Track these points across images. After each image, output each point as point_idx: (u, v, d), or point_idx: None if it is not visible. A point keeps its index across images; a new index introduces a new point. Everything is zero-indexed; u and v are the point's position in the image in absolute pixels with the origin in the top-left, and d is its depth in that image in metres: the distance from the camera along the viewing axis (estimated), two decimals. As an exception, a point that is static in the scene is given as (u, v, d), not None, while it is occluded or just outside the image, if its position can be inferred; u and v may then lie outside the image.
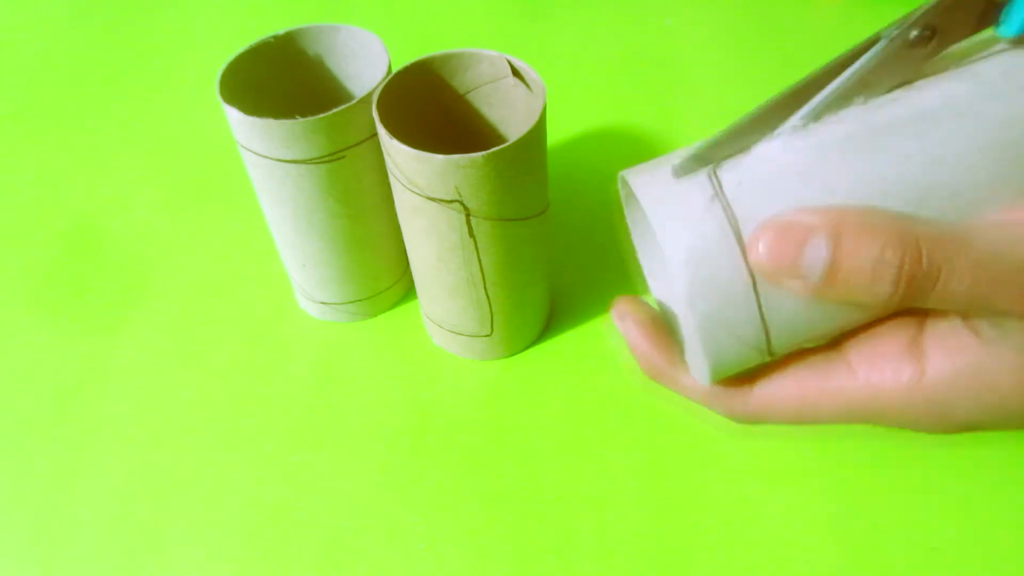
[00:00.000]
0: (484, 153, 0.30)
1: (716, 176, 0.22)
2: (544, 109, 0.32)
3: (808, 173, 0.21)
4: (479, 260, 0.34)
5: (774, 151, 0.22)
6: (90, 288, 0.44)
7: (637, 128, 0.51)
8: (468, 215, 0.32)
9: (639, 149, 0.50)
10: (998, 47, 0.22)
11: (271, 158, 0.33)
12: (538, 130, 0.32)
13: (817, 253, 0.20)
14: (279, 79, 0.37)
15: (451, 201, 0.31)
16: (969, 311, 0.21)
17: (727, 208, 0.21)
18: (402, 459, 0.36)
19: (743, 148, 0.22)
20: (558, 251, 0.43)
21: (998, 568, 0.32)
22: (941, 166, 0.21)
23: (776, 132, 0.22)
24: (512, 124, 0.37)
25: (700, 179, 0.22)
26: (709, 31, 0.58)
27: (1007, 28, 0.22)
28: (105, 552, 0.34)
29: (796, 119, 0.22)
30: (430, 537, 0.33)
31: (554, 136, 0.50)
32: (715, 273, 0.21)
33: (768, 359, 0.23)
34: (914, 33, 0.21)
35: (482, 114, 0.37)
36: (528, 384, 0.38)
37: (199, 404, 0.38)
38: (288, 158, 0.33)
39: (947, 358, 0.21)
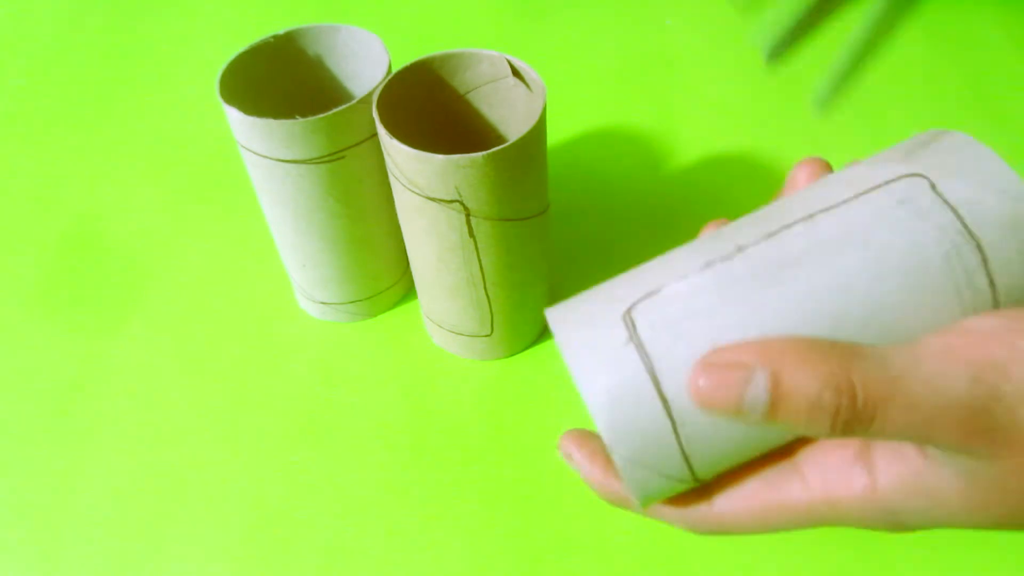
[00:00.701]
0: (484, 153, 0.30)
1: (631, 318, 0.22)
2: (544, 109, 0.32)
3: (718, 311, 0.22)
4: (479, 260, 0.34)
5: (683, 291, 0.23)
6: (90, 288, 0.44)
7: (637, 128, 0.51)
8: (468, 215, 0.32)
9: (639, 149, 0.50)
10: (891, 170, 0.23)
11: (271, 158, 0.33)
12: (538, 130, 0.32)
13: (758, 392, 0.20)
14: (279, 79, 0.37)
15: (451, 201, 0.31)
16: (908, 441, 0.21)
17: (641, 349, 0.22)
18: (402, 459, 0.36)
19: (654, 290, 0.23)
20: (558, 251, 0.43)
21: (998, 568, 0.32)
22: (850, 295, 0.21)
23: (683, 272, 0.23)
24: (512, 124, 0.37)
25: (615, 322, 0.23)
26: (709, 31, 0.58)
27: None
28: (105, 552, 0.34)
29: (701, 261, 0.23)
30: (430, 537, 0.33)
31: (554, 136, 0.50)
32: (634, 415, 0.22)
33: (696, 485, 0.24)
34: None
35: (482, 114, 0.37)
36: (528, 384, 0.38)
37: (199, 404, 0.38)
38: (288, 158, 0.33)
39: (895, 469, 0.21)
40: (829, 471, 0.22)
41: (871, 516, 0.22)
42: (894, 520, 0.22)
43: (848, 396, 0.20)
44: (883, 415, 0.20)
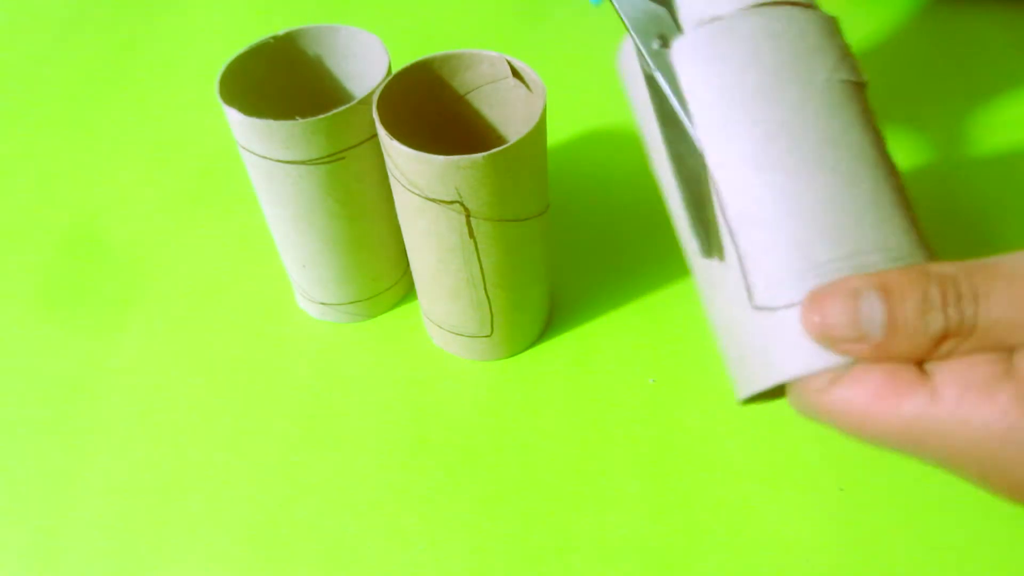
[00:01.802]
0: (484, 154, 0.30)
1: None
2: (544, 109, 0.32)
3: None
4: (479, 261, 0.34)
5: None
6: (90, 288, 0.44)
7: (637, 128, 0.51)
8: (468, 216, 0.32)
9: (639, 149, 0.49)
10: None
11: (271, 159, 0.33)
12: (538, 130, 0.32)
13: (873, 309, 0.21)
14: (279, 79, 0.37)
15: (451, 202, 0.31)
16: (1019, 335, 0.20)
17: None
18: (402, 459, 0.36)
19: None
20: (558, 251, 0.43)
21: (998, 568, 0.32)
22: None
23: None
24: (512, 124, 0.37)
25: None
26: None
27: None
28: (105, 552, 0.34)
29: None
30: (430, 537, 0.33)
31: (554, 136, 0.50)
32: None
33: None
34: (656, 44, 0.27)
35: (482, 114, 0.37)
36: (528, 384, 0.38)
37: (199, 404, 0.38)
38: (288, 159, 0.33)
39: None
40: (969, 384, 0.20)
41: (1014, 447, 0.20)
42: None
43: (950, 280, 0.20)
44: (987, 291, 0.20)
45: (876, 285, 0.21)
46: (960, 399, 0.20)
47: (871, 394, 0.22)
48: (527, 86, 0.34)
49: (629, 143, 0.50)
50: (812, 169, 0.24)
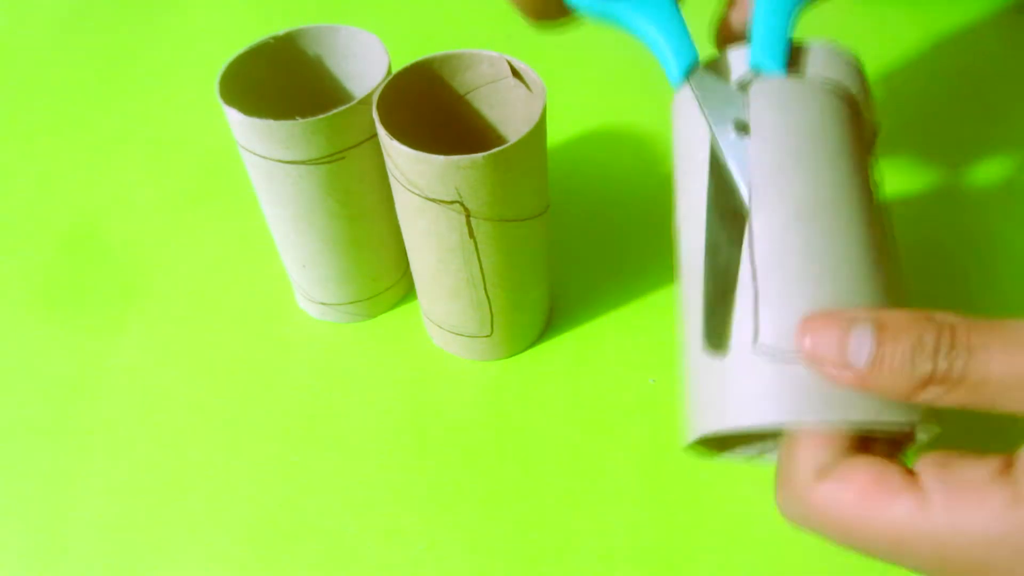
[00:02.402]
0: (484, 154, 0.30)
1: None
2: (544, 109, 0.32)
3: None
4: (479, 261, 0.34)
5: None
6: (90, 288, 0.44)
7: (637, 128, 0.51)
8: (468, 216, 0.32)
9: (639, 149, 0.50)
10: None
11: (271, 159, 0.33)
12: (538, 130, 0.32)
13: (861, 341, 0.21)
14: (279, 79, 0.37)
15: (451, 202, 0.31)
16: (1012, 403, 0.20)
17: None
18: (402, 459, 0.36)
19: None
20: (558, 251, 0.43)
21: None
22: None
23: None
24: (512, 124, 0.37)
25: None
26: (709, 30, 0.57)
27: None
28: (105, 552, 0.34)
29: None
30: (430, 537, 0.33)
31: (554, 136, 0.50)
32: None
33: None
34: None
35: (482, 114, 0.37)
36: (528, 384, 0.38)
37: (199, 404, 0.38)
38: (288, 159, 0.33)
39: None
40: (960, 487, 0.20)
41: (1006, 549, 0.19)
42: None
43: (948, 328, 0.20)
44: (984, 346, 0.20)
45: (872, 320, 0.21)
46: (951, 502, 0.20)
47: (858, 493, 0.21)
48: (527, 86, 0.34)
49: (629, 143, 0.50)
50: (844, 234, 0.25)
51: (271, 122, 0.32)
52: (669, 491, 0.34)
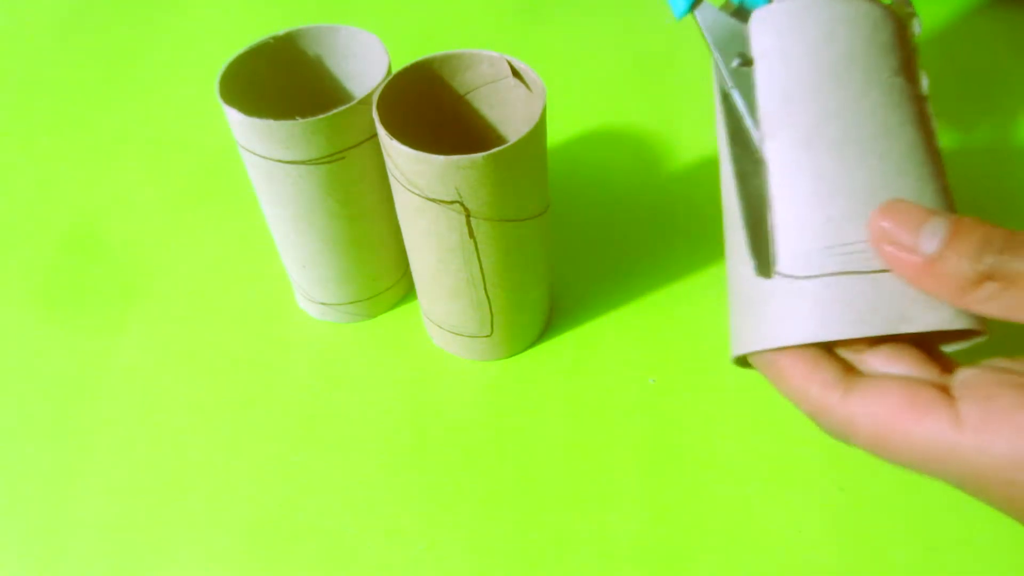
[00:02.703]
0: (484, 154, 0.30)
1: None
2: (544, 110, 0.32)
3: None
4: (479, 261, 0.34)
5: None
6: (90, 288, 0.44)
7: (637, 128, 0.51)
8: (468, 216, 0.32)
9: (639, 149, 0.50)
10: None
11: (271, 159, 0.33)
12: (538, 130, 0.32)
13: (937, 227, 0.22)
14: (279, 79, 0.37)
15: (451, 202, 0.31)
16: None
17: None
18: (402, 459, 0.36)
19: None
20: (558, 251, 0.43)
21: (998, 568, 0.32)
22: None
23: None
24: (512, 124, 0.37)
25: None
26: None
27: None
28: (105, 552, 0.34)
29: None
30: (430, 537, 0.33)
31: (554, 136, 0.50)
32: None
33: None
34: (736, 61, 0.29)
35: (482, 114, 0.37)
36: (528, 384, 0.38)
37: (199, 404, 0.38)
38: (288, 159, 0.33)
39: None
40: (993, 409, 0.20)
41: None
42: None
43: (1013, 235, 0.22)
44: None
45: (948, 217, 0.22)
46: (982, 424, 0.20)
47: (891, 409, 0.22)
48: (527, 86, 0.34)
49: (629, 143, 0.50)
50: (860, 154, 0.25)
51: (271, 122, 0.32)
52: (669, 491, 0.34)
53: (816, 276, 0.24)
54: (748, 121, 0.27)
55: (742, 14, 0.30)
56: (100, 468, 0.36)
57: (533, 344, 0.40)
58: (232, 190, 0.48)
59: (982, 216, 0.23)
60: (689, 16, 0.31)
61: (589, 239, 0.44)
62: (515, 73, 0.34)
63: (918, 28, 0.29)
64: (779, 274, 0.25)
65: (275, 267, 0.43)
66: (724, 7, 0.31)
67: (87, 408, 0.38)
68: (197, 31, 0.61)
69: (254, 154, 0.34)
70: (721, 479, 0.34)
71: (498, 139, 0.38)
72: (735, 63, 0.29)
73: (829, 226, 0.25)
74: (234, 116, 0.32)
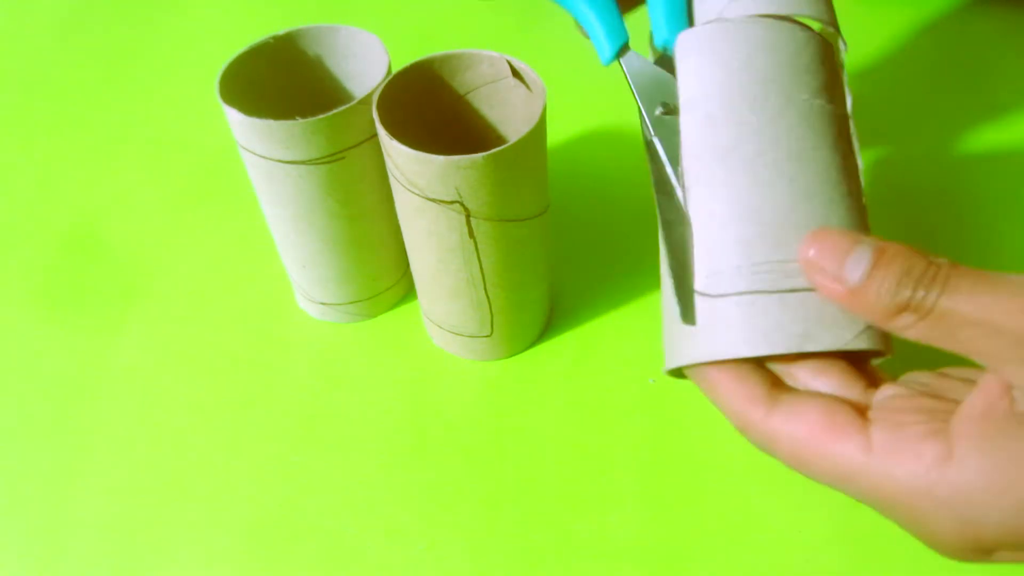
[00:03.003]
0: (484, 154, 0.30)
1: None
2: (544, 110, 0.32)
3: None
4: (479, 261, 0.34)
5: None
6: (90, 288, 0.44)
7: (637, 128, 0.50)
8: (468, 216, 0.32)
9: (639, 149, 0.49)
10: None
11: (271, 159, 0.33)
12: (538, 131, 0.32)
13: (862, 257, 0.23)
14: (279, 79, 0.37)
15: (451, 202, 0.31)
16: (963, 343, 0.21)
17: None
18: (402, 459, 0.36)
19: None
20: (558, 251, 0.43)
21: (997, 568, 0.32)
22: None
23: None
24: (512, 124, 0.37)
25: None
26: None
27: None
28: (105, 552, 0.34)
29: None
30: (430, 537, 0.33)
31: (554, 136, 0.50)
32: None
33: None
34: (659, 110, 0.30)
35: (482, 114, 0.37)
36: (528, 384, 0.38)
37: (199, 404, 0.38)
38: (288, 159, 0.33)
39: (983, 442, 0.20)
40: (900, 437, 0.22)
41: (930, 503, 0.21)
42: (963, 513, 0.20)
43: (936, 265, 0.22)
44: (957, 287, 0.21)
45: (874, 244, 0.23)
46: (889, 452, 0.22)
47: (810, 429, 0.23)
48: (527, 86, 0.34)
49: (629, 143, 0.50)
50: (772, 177, 0.26)
51: (271, 122, 0.32)
52: (669, 491, 0.34)
53: (727, 295, 0.25)
54: (669, 170, 0.28)
55: (665, 62, 0.30)
56: (100, 468, 0.36)
57: (533, 344, 0.40)
58: (232, 190, 0.48)
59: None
60: (615, 63, 0.31)
61: (589, 239, 0.44)
62: (515, 73, 0.34)
63: (844, 48, 0.30)
64: (696, 292, 0.26)
65: (275, 267, 0.43)
66: (650, 55, 0.31)
67: (87, 408, 0.38)
68: (197, 31, 0.61)
69: (254, 154, 0.34)
70: (721, 479, 0.34)
71: (498, 139, 0.38)
72: (658, 111, 0.29)
73: (739, 246, 0.25)
74: (234, 116, 0.32)
